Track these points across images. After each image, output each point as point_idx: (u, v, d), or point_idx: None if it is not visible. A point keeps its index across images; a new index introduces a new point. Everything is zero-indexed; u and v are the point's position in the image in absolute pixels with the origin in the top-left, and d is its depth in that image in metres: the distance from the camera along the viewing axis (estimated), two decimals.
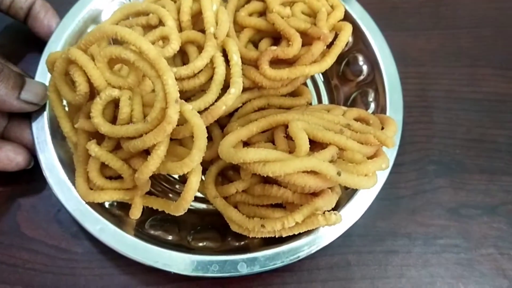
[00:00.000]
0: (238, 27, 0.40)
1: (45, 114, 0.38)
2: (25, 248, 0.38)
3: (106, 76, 0.33)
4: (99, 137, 0.34)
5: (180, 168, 0.31)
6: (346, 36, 0.38)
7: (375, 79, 0.42)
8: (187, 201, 0.32)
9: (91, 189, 0.35)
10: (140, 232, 0.36)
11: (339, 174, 0.30)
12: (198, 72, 0.36)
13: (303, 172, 0.30)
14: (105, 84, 0.32)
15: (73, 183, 0.36)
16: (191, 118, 0.30)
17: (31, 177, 0.40)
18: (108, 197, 0.35)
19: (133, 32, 0.31)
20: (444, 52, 0.48)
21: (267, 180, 0.35)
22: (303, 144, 0.31)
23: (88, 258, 0.38)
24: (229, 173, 0.37)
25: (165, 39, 0.37)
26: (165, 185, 0.42)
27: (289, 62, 0.38)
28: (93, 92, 0.34)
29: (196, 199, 0.35)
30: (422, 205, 0.41)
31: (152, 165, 0.31)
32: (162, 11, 0.38)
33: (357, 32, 0.43)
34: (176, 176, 0.43)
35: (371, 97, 0.41)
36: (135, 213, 0.35)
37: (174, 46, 0.36)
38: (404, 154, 0.43)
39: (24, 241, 0.38)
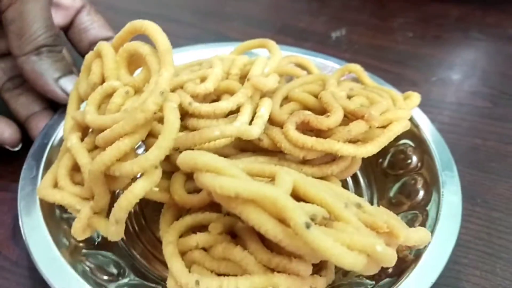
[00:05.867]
0: (286, 101, 0.36)
1: None
2: None
3: (120, 72, 0.31)
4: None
5: (130, 166, 0.25)
6: (398, 127, 0.32)
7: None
8: (121, 207, 0.25)
9: None
10: None
11: (308, 226, 0.21)
12: None
13: (266, 212, 0.22)
14: (115, 77, 0.30)
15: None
16: (167, 114, 0.26)
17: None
18: (59, 198, 0.29)
19: (157, 27, 0.29)
20: None
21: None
22: (286, 182, 0.23)
23: (15, 271, 0.32)
24: None
25: (204, 79, 0.35)
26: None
27: (321, 137, 0.32)
28: None
29: None
30: None
31: (107, 156, 0.26)
32: (215, 59, 0.36)
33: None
34: None
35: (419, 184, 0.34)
36: (76, 230, 0.29)
37: (208, 85, 0.33)
38: None
39: None
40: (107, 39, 0.43)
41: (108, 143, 0.27)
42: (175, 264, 0.26)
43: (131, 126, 0.26)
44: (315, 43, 0.55)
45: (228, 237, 0.27)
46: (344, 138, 0.31)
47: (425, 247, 0.29)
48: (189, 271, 0.26)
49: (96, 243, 0.31)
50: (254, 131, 0.30)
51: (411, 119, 0.36)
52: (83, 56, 0.43)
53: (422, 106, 0.38)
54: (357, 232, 0.22)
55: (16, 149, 0.37)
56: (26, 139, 0.38)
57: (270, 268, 0.24)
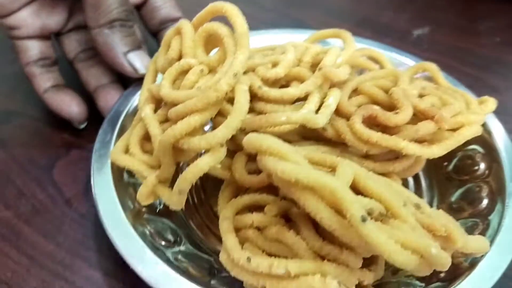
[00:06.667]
0: (355, 93, 0.36)
1: None
2: (43, 186, 0.37)
3: (197, 50, 0.32)
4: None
5: (198, 141, 0.26)
6: (469, 132, 0.31)
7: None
8: (185, 179, 0.26)
9: None
10: None
11: (363, 219, 0.21)
12: None
13: (324, 200, 0.22)
14: (192, 55, 0.32)
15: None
16: (238, 96, 0.27)
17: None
18: (129, 163, 0.31)
19: (237, 10, 0.30)
20: None
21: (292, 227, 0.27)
22: (347, 174, 0.23)
23: (83, 223, 0.35)
24: None
25: (276, 65, 0.35)
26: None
27: (387, 133, 0.31)
28: None
29: None
30: None
31: (177, 129, 0.27)
32: (289, 46, 0.37)
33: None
34: None
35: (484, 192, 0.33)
36: (142, 196, 0.31)
37: (278, 70, 0.34)
38: None
39: (47, 181, 0.38)
40: (176, 19, 0.45)
41: (180, 117, 0.28)
42: (230, 240, 0.27)
43: (203, 103, 0.27)
44: (394, 40, 0.53)
45: (282, 220, 0.28)
46: (411, 137, 0.30)
47: (482, 256, 0.28)
48: (242, 248, 0.27)
49: (157, 210, 0.33)
50: (320, 120, 0.31)
51: (483, 125, 0.35)
52: (152, 33, 0.46)
53: (499, 114, 0.36)
54: (413, 232, 0.22)
55: (82, 126, 0.41)
56: (93, 109, 0.41)
57: (320, 256, 0.25)
